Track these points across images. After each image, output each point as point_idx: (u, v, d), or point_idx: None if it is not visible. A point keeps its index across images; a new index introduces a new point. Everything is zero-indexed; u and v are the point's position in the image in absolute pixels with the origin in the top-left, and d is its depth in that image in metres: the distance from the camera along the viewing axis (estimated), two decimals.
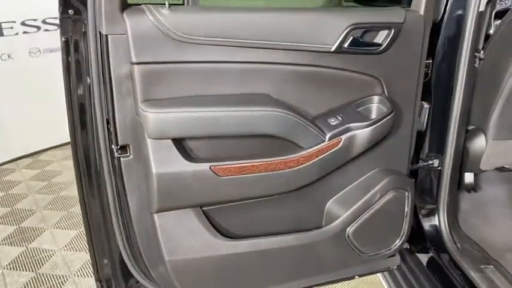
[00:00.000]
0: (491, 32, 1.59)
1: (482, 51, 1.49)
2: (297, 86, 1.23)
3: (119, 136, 1.15)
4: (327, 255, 1.40)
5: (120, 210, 1.26)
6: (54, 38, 3.48)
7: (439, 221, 1.60)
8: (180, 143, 1.14)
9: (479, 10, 1.37)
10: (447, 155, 1.53)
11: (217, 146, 1.19)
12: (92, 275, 2.26)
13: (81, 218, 2.56)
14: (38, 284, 2.23)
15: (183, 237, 1.21)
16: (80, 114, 1.28)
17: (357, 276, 1.55)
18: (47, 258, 2.44)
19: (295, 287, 1.40)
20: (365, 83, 1.30)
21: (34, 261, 2.41)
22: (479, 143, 1.61)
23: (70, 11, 1.17)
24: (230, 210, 1.26)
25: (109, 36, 1.05)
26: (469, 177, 1.74)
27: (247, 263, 1.29)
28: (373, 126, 1.27)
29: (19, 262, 2.40)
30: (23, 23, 3.48)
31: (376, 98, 1.31)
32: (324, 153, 1.25)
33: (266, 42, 1.14)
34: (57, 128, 3.40)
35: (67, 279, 2.26)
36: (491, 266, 1.42)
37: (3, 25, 3.38)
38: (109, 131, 1.16)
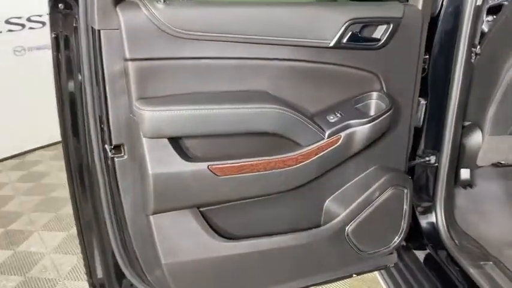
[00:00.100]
0: (483, 27, 1.58)
1: (478, 47, 1.48)
2: (295, 82, 1.20)
3: (113, 135, 1.11)
4: (326, 254, 1.38)
5: (114, 212, 1.22)
6: (39, 36, 3.41)
7: (436, 217, 1.59)
8: (176, 142, 1.11)
9: (477, 4, 1.36)
10: (444, 151, 1.52)
11: (214, 145, 1.16)
12: (82, 278, 2.22)
13: (70, 220, 2.51)
14: None
15: (180, 239, 1.18)
16: (71, 113, 1.24)
17: (354, 275, 1.54)
18: (36, 261, 2.38)
19: (295, 287, 1.37)
20: (363, 79, 1.28)
21: (22, 265, 2.35)
22: (475, 138, 1.60)
23: (60, 5, 1.13)
24: (228, 210, 1.23)
25: (102, 32, 1.01)
26: (465, 174, 1.74)
27: (246, 264, 1.26)
28: (373, 123, 1.25)
29: (7, 266, 2.34)
30: (7, 21, 3.40)
31: (374, 94, 1.29)
32: (323, 150, 1.22)
33: (264, 37, 1.12)
34: (44, 127, 3.34)
35: (57, 283, 2.21)
36: (491, 263, 1.41)
37: None
38: (102, 131, 1.12)
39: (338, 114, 1.25)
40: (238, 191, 1.18)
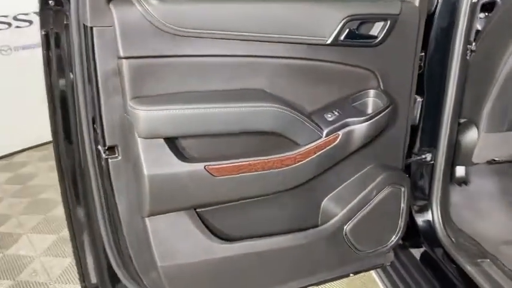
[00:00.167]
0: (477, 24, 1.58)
1: (474, 43, 1.48)
2: (292, 80, 1.18)
3: (106, 136, 1.08)
4: (324, 254, 1.36)
5: (108, 214, 1.19)
6: (26, 35, 3.34)
7: (432, 215, 1.58)
8: (172, 142, 1.08)
9: (473, 1, 1.35)
10: (440, 149, 1.51)
11: (211, 145, 1.13)
12: (74, 282, 2.18)
13: (60, 222, 2.47)
14: None
15: (177, 242, 1.15)
16: (62, 113, 1.20)
17: (351, 274, 1.53)
18: (25, 265, 2.33)
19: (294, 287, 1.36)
20: (360, 77, 1.27)
21: (12, 269, 2.30)
22: (471, 136, 1.60)
23: (51, 2, 1.09)
24: (225, 211, 1.21)
25: (94, 29, 0.98)
26: (460, 171, 1.73)
27: (244, 266, 1.24)
28: (371, 121, 1.23)
29: None
30: None
31: (372, 92, 1.28)
32: (322, 149, 1.21)
33: (261, 34, 1.09)
34: (32, 128, 3.27)
35: (47, 287, 2.17)
36: (488, 260, 1.41)
37: None
38: (95, 131, 1.09)
39: (336, 113, 1.23)
40: (235, 192, 1.16)
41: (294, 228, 1.32)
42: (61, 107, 1.21)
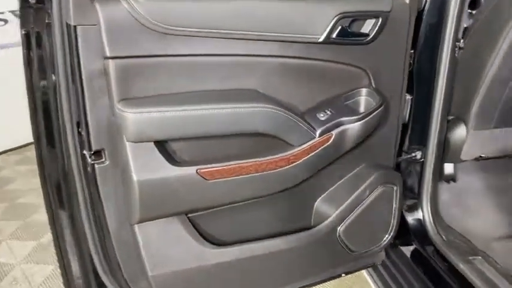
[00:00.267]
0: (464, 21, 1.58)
1: (462, 40, 1.47)
2: (284, 79, 1.15)
3: (92, 140, 1.03)
4: (318, 256, 1.34)
5: (95, 221, 1.14)
6: (2, 35, 3.21)
7: (422, 213, 1.58)
8: (162, 146, 1.04)
9: None
10: (430, 147, 1.51)
11: (203, 147, 1.09)
12: None
13: (41, 227, 2.38)
14: None
15: (168, 249, 1.11)
16: (44, 116, 1.14)
17: (343, 274, 1.51)
18: (5, 272, 2.24)
19: None
20: (352, 75, 1.25)
21: None
22: (459, 133, 1.60)
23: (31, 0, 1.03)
24: (217, 215, 1.17)
25: (78, 28, 0.93)
26: (448, 168, 1.74)
27: (237, 271, 1.20)
28: (364, 120, 1.22)
29: None
30: None
31: (364, 91, 1.26)
32: (315, 150, 1.18)
33: (253, 33, 1.06)
34: (7, 131, 3.16)
35: None
36: (479, 257, 1.41)
37: None
38: (80, 135, 1.04)
39: (328, 112, 1.21)
40: (228, 195, 1.13)
41: (287, 230, 1.29)
42: (43, 109, 1.15)
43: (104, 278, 1.17)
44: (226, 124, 1.07)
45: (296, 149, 1.16)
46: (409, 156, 1.54)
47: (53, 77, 1.05)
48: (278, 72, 1.14)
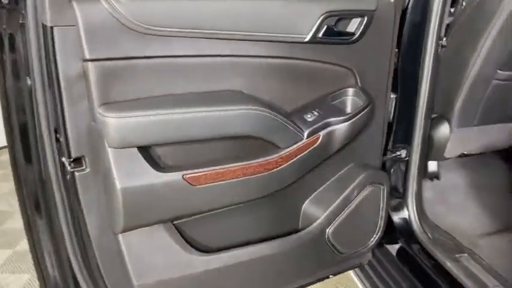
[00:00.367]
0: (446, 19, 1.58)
1: (444, 39, 1.48)
2: (270, 80, 1.13)
3: (72, 147, 0.98)
4: (307, 259, 1.32)
5: (75, 231, 1.09)
6: None
7: (408, 211, 1.58)
8: (146, 151, 0.99)
9: None
10: (414, 145, 1.51)
11: (188, 152, 1.05)
12: None
13: (16, 235, 2.29)
14: None
15: (154, 257, 1.07)
16: (19, 122, 1.09)
17: (331, 276, 1.50)
18: None
19: None
20: (338, 75, 1.23)
21: None
22: (443, 131, 1.61)
23: None
24: (204, 221, 1.14)
25: (55, 29, 0.88)
26: (432, 166, 1.75)
27: (226, 278, 1.17)
28: (351, 121, 1.20)
29: None
30: None
31: (351, 91, 1.24)
32: (303, 152, 1.16)
33: (238, 33, 1.03)
34: None
35: None
36: (465, 254, 1.42)
37: None
38: (58, 141, 0.99)
39: (315, 113, 1.19)
40: (216, 201, 1.09)
41: (276, 234, 1.27)
42: (17, 113, 1.09)
43: (84, 287, 1.13)
44: (211, 127, 1.03)
45: (283, 151, 1.13)
46: (394, 155, 1.54)
47: (28, 81, 0.99)
48: (263, 73, 1.11)
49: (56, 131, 0.98)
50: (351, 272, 1.81)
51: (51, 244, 1.24)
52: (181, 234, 1.10)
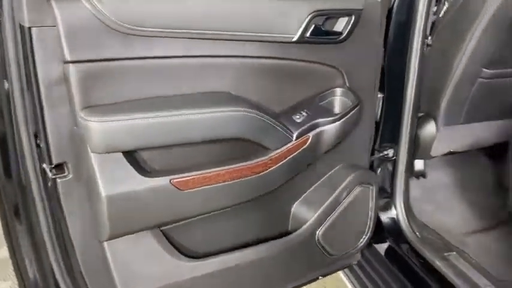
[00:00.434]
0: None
1: (430, 37, 1.48)
2: (258, 80, 1.10)
3: (53, 153, 0.94)
4: (297, 261, 1.30)
5: (58, 238, 1.05)
6: None
7: (396, 211, 1.58)
8: (132, 156, 0.96)
9: None
10: (402, 144, 1.51)
11: (175, 155, 1.02)
12: None
13: None
14: None
15: (141, 265, 1.03)
16: None
17: (320, 277, 1.49)
18: None
19: None
20: (326, 75, 1.22)
21: None
22: (429, 129, 1.61)
23: None
24: (192, 226, 1.11)
25: (33, 29, 0.84)
26: (419, 164, 1.75)
27: (216, 284, 1.14)
28: (341, 121, 1.19)
29: None
30: None
31: (339, 91, 1.23)
32: (292, 153, 1.14)
33: (225, 33, 1.00)
34: None
35: None
36: (454, 253, 1.42)
37: None
38: (39, 147, 0.95)
39: (304, 113, 1.17)
40: (204, 205, 1.06)
41: (265, 237, 1.25)
42: None
43: None
44: (199, 130, 1.00)
45: (273, 154, 1.11)
46: (381, 154, 1.54)
47: (6, 84, 0.94)
48: (251, 73, 1.09)
49: (36, 136, 0.94)
50: (339, 272, 1.80)
51: (32, 251, 1.19)
52: (168, 240, 1.07)
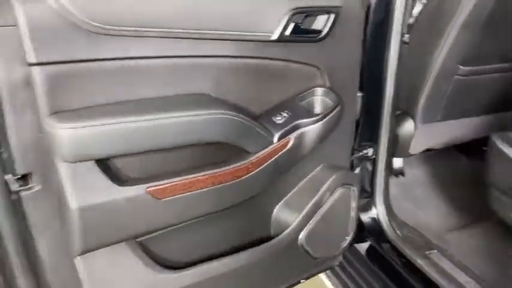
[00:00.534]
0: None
1: (407, 35, 1.47)
2: (237, 81, 1.06)
3: (17, 163, 0.87)
4: (280, 266, 1.26)
5: (24, 255, 0.97)
6: None
7: (376, 210, 1.57)
8: (105, 164, 0.89)
9: None
10: (381, 143, 1.49)
11: (152, 162, 0.96)
12: None
13: None
14: None
15: (118, 280, 0.97)
16: None
17: (302, 280, 1.46)
18: None
19: None
20: (306, 74, 1.18)
21: None
22: (407, 127, 1.61)
23: None
24: (170, 235, 1.05)
25: None
26: (397, 162, 1.75)
27: None
28: (322, 122, 1.15)
29: None
30: None
31: (320, 90, 1.20)
32: (274, 156, 1.10)
33: (202, 31, 0.94)
34: None
35: None
36: (435, 251, 1.42)
37: None
38: (1, 157, 0.87)
39: (285, 114, 1.13)
40: (183, 214, 1.01)
41: (246, 243, 1.20)
42: None
43: None
44: (176, 134, 0.95)
45: (254, 157, 1.07)
46: (361, 153, 1.52)
47: None
48: (230, 74, 1.04)
49: None
50: (320, 274, 1.78)
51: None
52: (146, 252, 1.01)
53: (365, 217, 1.58)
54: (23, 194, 0.89)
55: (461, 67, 1.48)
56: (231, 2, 0.98)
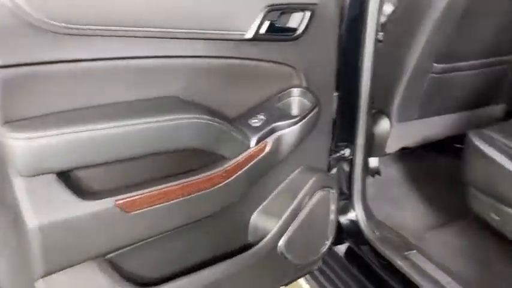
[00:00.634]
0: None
1: (381, 33, 1.44)
2: (210, 82, 1.00)
3: None
4: (259, 275, 1.21)
5: None
6: None
7: (354, 211, 1.54)
8: (67, 176, 0.81)
9: None
10: (358, 143, 1.46)
11: (120, 172, 0.89)
12: None
13: None
14: None
15: None
16: None
17: (282, 286, 1.41)
18: None
19: None
20: (282, 74, 1.13)
21: None
22: (383, 126, 1.59)
23: None
24: (142, 249, 0.98)
25: None
26: (373, 162, 1.72)
27: None
28: (300, 123, 1.11)
29: None
30: None
31: (297, 91, 1.15)
32: (251, 161, 1.05)
33: (170, 30, 0.88)
34: None
35: None
36: (414, 251, 1.40)
37: None
38: None
39: (261, 117, 1.08)
40: (155, 227, 0.94)
41: (224, 252, 1.15)
42: None
43: None
44: (145, 142, 0.88)
45: (229, 163, 1.01)
46: (338, 154, 1.48)
47: None
48: (202, 75, 0.98)
49: None
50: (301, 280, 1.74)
51: None
52: (115, 269, 0.93)
53: (343, 219, 1.55)
54: None
55: (436, 65, 1.47)
56: (203, 0, 0.91)
